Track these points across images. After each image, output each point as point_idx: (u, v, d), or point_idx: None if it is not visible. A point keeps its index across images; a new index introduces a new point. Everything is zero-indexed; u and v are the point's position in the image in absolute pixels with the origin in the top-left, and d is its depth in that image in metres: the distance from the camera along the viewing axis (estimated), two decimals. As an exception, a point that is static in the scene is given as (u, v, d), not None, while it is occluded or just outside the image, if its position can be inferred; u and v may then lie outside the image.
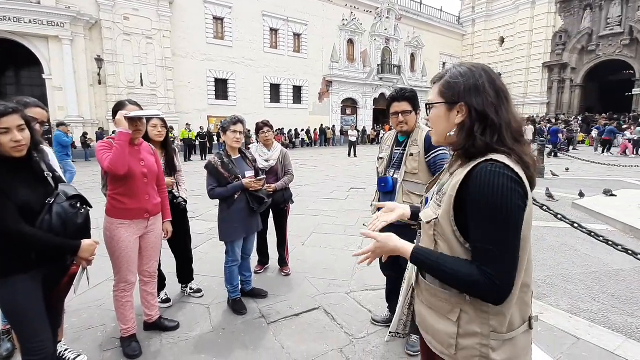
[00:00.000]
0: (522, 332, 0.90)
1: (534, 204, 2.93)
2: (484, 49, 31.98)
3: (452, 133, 0.92)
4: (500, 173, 0.80)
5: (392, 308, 2.45)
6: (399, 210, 1.21)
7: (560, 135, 16.24)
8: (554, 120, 23.16)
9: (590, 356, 2.12)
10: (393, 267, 2.28)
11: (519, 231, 0.81)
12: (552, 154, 13.43)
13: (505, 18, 30.29)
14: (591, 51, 25.72)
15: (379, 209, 1.24)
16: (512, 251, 0.81)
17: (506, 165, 0.81)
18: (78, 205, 1.59)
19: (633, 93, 23.95)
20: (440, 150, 1.94)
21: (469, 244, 0.86)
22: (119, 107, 1.99)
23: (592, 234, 2.54)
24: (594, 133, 16.99)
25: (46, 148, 2.03)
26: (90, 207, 1.67)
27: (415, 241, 1.11)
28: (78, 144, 14.85)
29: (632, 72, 24.18)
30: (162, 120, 2.56)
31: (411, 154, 2.07)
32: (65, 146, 7.32)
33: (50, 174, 1.61)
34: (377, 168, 2.35)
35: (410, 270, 1.12)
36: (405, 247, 0.95)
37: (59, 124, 7.98)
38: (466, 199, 0.84)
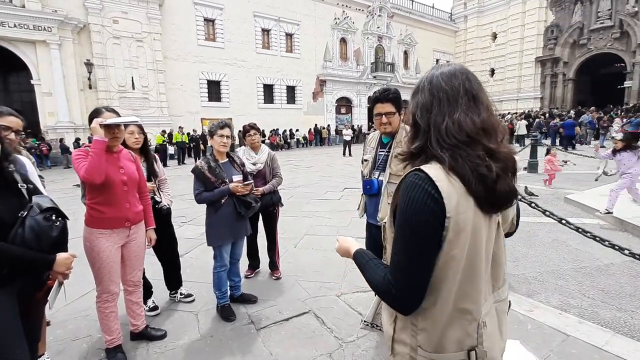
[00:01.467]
0: None
1: (520, 200, 2.94)
2: (477, 44, 32.08)
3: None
4: (417, 185, 0.77)
5: None
6: None
7: (577, 128, 16.01)
8: (547, 115, 23.30)
9: (579, 353, 2.12)
10: None
11: (424, 247, 0.77)
12: (570, 147, 13.34)
13: (497, 14, 30.38)
14: (583, 45, 25.86)
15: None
16: (412, 265, 0.78)
17: (428, 177, 0.76)
18: (53, 217, 1.55)
19: (625, 86, 24.11)
20: None
21: None
22: (94, 114, 1.95)
23: (580, 229, 2.53)
24: (616, 124, 15.33)
25: (23, 158, 1.98)
26: (67, 218, 1.63)
27: None
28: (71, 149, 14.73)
29: (623, 65, 24.35)
30: (140, 126, 2.51)
31: (396, 155, 2.04)
32: None
33: (25, 185, 1.56)
34: (362, 170, 2.33)
35: None
36: (351, 249, 0.99)
37: None
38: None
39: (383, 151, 2.16)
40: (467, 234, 0.77)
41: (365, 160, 2.26)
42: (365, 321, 1.18)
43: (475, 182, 0.77)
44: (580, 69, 26.96)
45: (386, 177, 2.07)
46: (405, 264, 0.79)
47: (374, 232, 2.22)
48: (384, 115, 2.06)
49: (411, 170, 0.82)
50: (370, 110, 27.84)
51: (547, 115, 23.28)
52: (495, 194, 0.78)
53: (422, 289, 0.80)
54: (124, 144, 2.28)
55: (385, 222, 0.95)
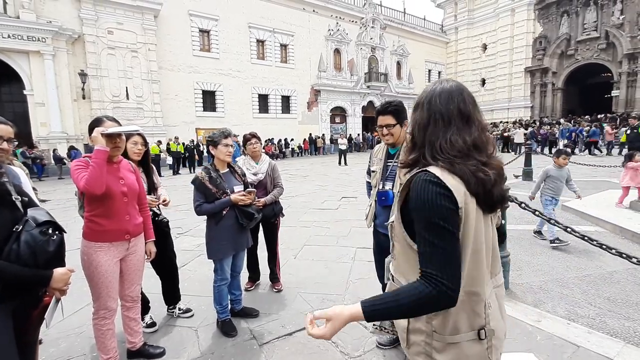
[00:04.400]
0: (468, 340, 0.91)
1: (525, 208, 2.92)
2: (468, 55, 32.72)
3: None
4: (428, 180, 0.87)
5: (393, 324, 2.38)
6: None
7: (573, 134, 18.09)
8: (538, 124, 23.72)
9: (592, 365, 2.07)
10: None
11: (453, 231, 0.84)
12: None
13: (486, 25, 31.12)
14: (570, 55, 26.54)
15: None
16: (450, 250, 0.83)
17: (434, 174, 0.87)
18: (49, 231, 1.47)
19: (612, 95, 24.74)
20: None
21: (416, 246, 0.90)
22: (95, 123, 1.89)
23: (586, 237, 2.52)
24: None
25: (16, 169, 1.91)
26: (64, 232, 1.55)
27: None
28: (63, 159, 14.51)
29: (610, 74, 25.01)
30: (143, 137, 2.45)
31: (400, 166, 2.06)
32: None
33: (19, 197, 1.49)
34: (369, 182, 2.34)
35: (386, 271, 1.17)
36: (357, 309, 0.86)
37: (234, 136, 10.42)
38: (408, 205, 0.91)
39: (391, 162, 2.17)
40: (473, 223, 0.87)
41: (373, 171, 2.28)
42: (374, 324, 1.16)
43: (475, 183, 0.87)
44: (568, 79, 27.60)
45: (397, 187, 2.09)
46: (443, 250, 0.83)
47: (381, 239, 2.22)
48: (384, 127, 2.09)
49: (419, 171, 0.91)
50: (364, 120, 28.17)
51: (538, 123, 23.70)
52: (492, 197, 0.90)
53: (460, 273, 0.84)
54: (124, 154, 2.21)
55: (391, 222, 1.01)
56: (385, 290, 1.11)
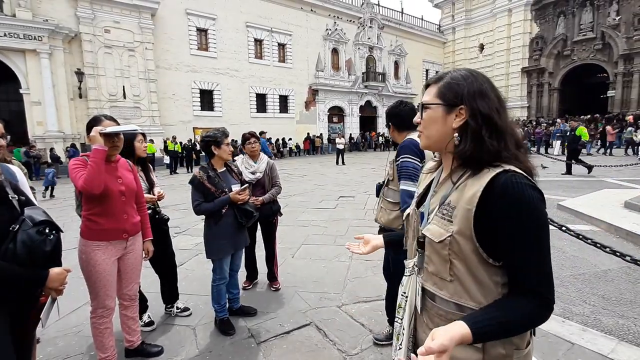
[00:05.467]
0: (532, 342, 0.88)
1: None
2: (465, 55, 32.81)
3: (456, 139, 0.85)
4: (528, 185, 0.77)
5: (393, 322, 2.40)
6: (372, 242, 1.28)
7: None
8: (534, 123, 23.86)
9: (586, 362, 2.10)
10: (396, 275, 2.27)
11: (548, 241, 0.79)
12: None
13: (483, 25, 31.22)
14: (566, 56, 26.68)
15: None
16: (550, 263, 0.79)
17: (525, 175, 0.78)
18: (46, 231, 1.47)
19: (608, 95, 24.92)
20: (405, 157, 1.93)
21: (492, 259, 0.80)
22: (93, 122, 1.89)
23: (580, 236, 2.55)
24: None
25: (14, 167, 1.90)
26: (61, 231, 1.56)
27: (416, 263, 0.98)
28: (63, 158, 14.45)
29: (606, 75, 25.18)
30: (144, 135, 2.47)
31: (390, 162, 2.17)
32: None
33: (16, 196, 1.49)
34: None
35: (412, 295, 0.98)
36: (464, 332, 0.75)
37: (261, 132, 11.64)
38: (489, 214, 0.77)
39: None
40: None
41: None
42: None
43: (533, 176, 0.82)
44: (564, 79, 27.76)
45: (384, 182, 2.18)
46: (548, 263, 0.78)
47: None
48: None
49: (501, 172, 0.78)
50: (361, 119, 28.24)
51: (534, 123, 23.84)
52: None
53: None
54: (126, 153, 2.21)
55: (449, 236, 0.82)
56: (397, 309, 1.02)
